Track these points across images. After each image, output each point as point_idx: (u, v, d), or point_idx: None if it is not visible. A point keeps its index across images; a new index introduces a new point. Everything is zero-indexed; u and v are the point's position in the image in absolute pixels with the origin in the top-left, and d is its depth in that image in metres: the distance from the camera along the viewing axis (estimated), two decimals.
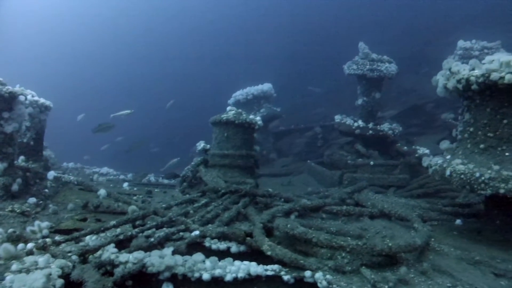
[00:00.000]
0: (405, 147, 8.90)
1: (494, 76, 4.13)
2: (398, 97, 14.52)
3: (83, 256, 3.88)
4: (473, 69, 4.43)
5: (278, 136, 13.06)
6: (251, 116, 7.44)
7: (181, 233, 4.62)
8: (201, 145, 7.81)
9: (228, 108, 7.62)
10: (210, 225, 4.83)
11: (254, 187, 6.83)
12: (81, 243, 4.21)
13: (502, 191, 4.15)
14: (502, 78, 4.09)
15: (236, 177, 7.11)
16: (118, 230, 4.56)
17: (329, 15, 27.75)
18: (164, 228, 4.68)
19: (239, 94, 12.28)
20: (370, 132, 8.82)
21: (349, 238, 4.43)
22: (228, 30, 32.86)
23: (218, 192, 6.09)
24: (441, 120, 11.10)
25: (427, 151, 8.56)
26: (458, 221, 5.51)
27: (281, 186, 9.28)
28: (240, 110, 7.54)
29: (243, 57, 28.97)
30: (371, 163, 8.31)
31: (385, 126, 8.93)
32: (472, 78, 4.32)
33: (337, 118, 9.47)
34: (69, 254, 3.86)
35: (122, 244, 4.22)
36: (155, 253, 3.90)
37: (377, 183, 7.87)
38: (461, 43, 10.36)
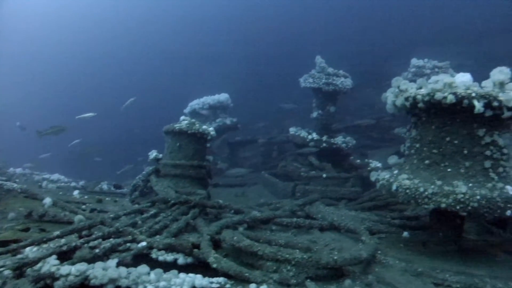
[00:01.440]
0: (358, 160, 9.07)
1: (438, 95, 4.27)
2: (356, 111, 14.84)
3: (20, 270, 3.71)
4: (420, 88, 4.57)
5: (234, 146, 13.02)
6: (204, 127, 7.40)
7: (128, 244, 4.51)
8: (153, 154, 7.70)
9: (182, 117, 7.58)
10: (158, 236, 4.75)
11: (205, 198, 6.77)
12: (19, 256, 4.02)
13: (443, 205, 4.29)
14: (445, 98, 4.24)
15: (187, 188, 7.04)
16: (62, 241, 4.38)
17: (292, 27, 28.10)
18: (111, 239, 4.56)
19: (195, 104, 12.21)
20: (324, 145, 8.94)
21: (297, 250, 4.47)
22: (188, 41, 32.60)
23: (168, 203, 6.00)
24: (394, 134, 11.40)
25: (379, 164, 8.75)
26: (405, 234, 5.63)
27: (235, 196, 9.26)
28: (193, 120, 7.49)
29: (201, 66, 28.81)
30: (324, 175, 8.41)
31: (339, 139, 9.08)
32: (419, 97, 4.46)
33: (292, 130, 9.57)
34: (1, 269, 3.66)
35: (66, 256, 4.07)
36: (99, 265, 3.78)
37: (329, 195, 7.97)
38: (414, 61, 10.78)
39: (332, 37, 25.18)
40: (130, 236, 4.63)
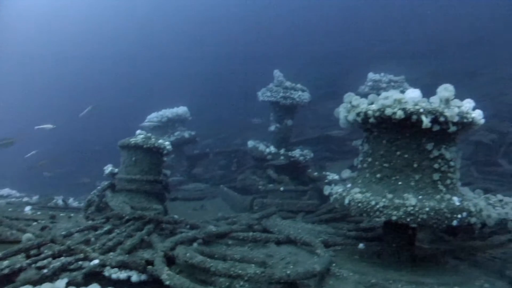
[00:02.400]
0: (316, 173, 9.19)
1: (388, 111, 4.40)
2: (315, 124, 15.05)
3: None
4: (371, 104, 4.70)
5: (192, 159, 12.93)
6: (160, 141, 7.33)
7: (79, 263, 4.40)
8: (108, 168, 7.56)
9: (138, 131, 7.48)
10: (111, 253, 4.65)
11: (161, 213, 6.70)
12: None
13: (394, 218, 4.40)
14: (394, 113, 4.37)
15: (143, 203, 6.94)
16: (5, 263, 4.21)
17: (251, 41, 28.28)
18: (62, 258, 4.43)
19: (153, 117, 12.10)
20: (282, 158, 9.03)
21: (251, 265, 4.47)
22: (147, 51, 32.25)
23: (123, 218, 5.89)
24: (352, 147, 11.59)
25: (336, 177, 8.88)
26: (361, 245, 5.72)
27: (194, 210, 9.21)
28: (149, 134, 7.42)
29: (160, 79, 28.52)
30: (281, 188, 8.48)
31: (297, 152, 9.19)
32: (370, 112, 4.58)
33: (250, 143, 9.63)
34: None
35: (10, 279, 3.92)
36: (46, 286, 3.66)
37: (287, 208, 8.02)
38: (371, 75, 11.09)
39: (292, 51, 25.53)
40: (82, 254, 4.51)
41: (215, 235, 5.80)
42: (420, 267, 5.03)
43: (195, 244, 5.31)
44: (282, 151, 9.15)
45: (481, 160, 11.72)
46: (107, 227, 5.62)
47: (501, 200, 6.20)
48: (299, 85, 9.32)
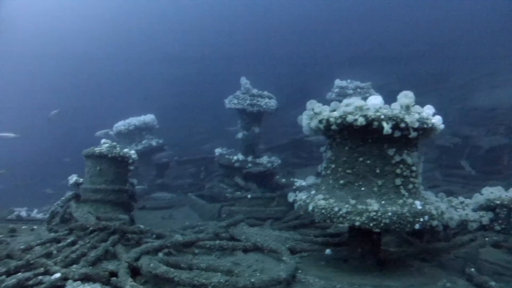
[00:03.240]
0: (284, 180, 9.23)
1: (350, 118, 4.47)
2: (284, 130, 15.15)
3: None
4: (334, 111, 4.75)
5: (161, 168, 12.79)
6: (125, 150, 7.24)
7: (39, 277, 4.28)
8: (73, 178, 7.40)
9: (103, 140, 7.35)
10: (74, 266, 4.54)
11: (128, 223, 6.59)
12: None
13: (357, 223, 4.46)
14: (356, 120, 4.44)
15: (109, 213, 6.82)
16: None
17: (220, 48, 28.26)
18: (19, 274, 4.30)
19: (121, 125, 11.94)
20: (249, 165, 9.03)
21: (217, 274, 4.45)
22: (113, 62, 31.68)
23: (87, 230, 5.78)
24: (321, 153, 11.69)
25: (304, 183, 8.93)
26: (327, 251, 5.75)
27: (162, 219, 9.10)
28: (114, 143, 7.31)
29: (127, 87, 28.11)
30: (249, 196, 8.48)
31: (264, 159, 9.21)
32: (332, 119, 4.63)
33: (217, 151, 9.61)
34: None
35: None
36: None
37: (255, 215, 8.02)
38: (337, 82, 11.19)
39: (260, 58, 25.63)
40: (42, 268, 4.39)
41: (182, 244, 5.74)
42: (385, 270, 5.11)
43: (160, 254, 5.25)
44: (249, 158, 9.16)
45: (445, 163, 12.00)
46: (70, 239, 5.49)
47: (462, 202, 6.37)
48: (266, 92, 9.37)
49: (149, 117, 12.22)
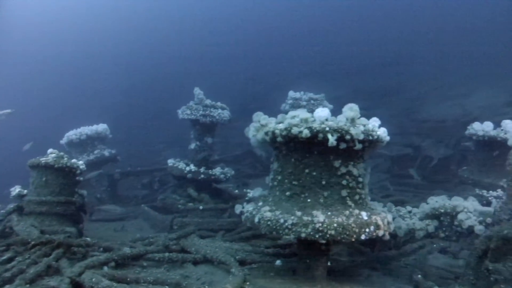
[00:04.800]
0: (236, 191, 9.21)
1: (295, 130, 4.50)
2: (239, 141, 15.13)
3: None
4: (280, 123, 4.77)
5: (114, 179, 12.50)
6: (73, 160, 7.04)
7: None
8: (16, 190, 7.12)
9: (49, 150, 7.13)
10: (8, 285, 4.35)
11: (75, 236, 6.40)
12: None
13: (303, 235, 4.47)
14: (301, 132, 4.48)
15: (55, 226, 6.60)
16: None
17: (174, 59, 28.07)
18: None
19: (72, 134, 11.58)
20: (202, 176, 8.97)
21: (166, 287, 4.37)
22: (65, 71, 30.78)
23: (28, 244, 5.56)
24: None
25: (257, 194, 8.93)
26: (278, 262, 5.78)
27: (114, 232, 8.89)
28: (62, 153, 7.10)
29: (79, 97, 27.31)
30: (201, 207, 8.41)
31: (217, 170, 9.17)
32: (277, 131, 4.65)
33: (170, 162, 9.49)
34: None
35: None
36: None
37: (207, 227, 7.95)
38: (291, 93, 11.31)
39: (213, 69, 25.65)
40: None
41: (130, 257, 5.64)
42: (334, 280, 5.16)
43: (105, 268, 5.11)
44: (202, 169, 9.09)
45: (397, 173, 12.30)
46: (7, 256, 5.26)
47: (410, 211, 6.51)
48: (219, 103, 9.33)
49: (101, 127, 11.92)
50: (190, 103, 9.32)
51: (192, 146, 9.39)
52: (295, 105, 10.60)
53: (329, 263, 5.66)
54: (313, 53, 25.87)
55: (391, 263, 6.27)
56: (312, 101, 10.85)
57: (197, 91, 9.37)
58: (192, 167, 9.12)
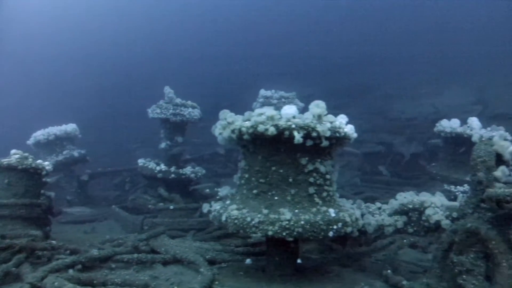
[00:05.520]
0: (207, 190, 9.15)
1: (261, 128, 4.49)
2: (212, 141, 15.05)
3: None
4: (247, 120, 4.74)
5: (84, 180, 12.26)
6: (39, 161, 6.85)
7: None
8: None
9: (13, 151, 6.92)
10: None
11: (40, 239, 6.24)
12: None
13: (270, 233, 4.47)
14: (267, 130, 4.47)
15: (18, 230, 6.38)
16: None
17: (146, 59, 27.78)
18: None
19: (39, 134, 11.28)
20: (173, 175, 8.89)
21: None
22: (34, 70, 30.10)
23: None
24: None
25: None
26: (248, 261, 5.76)
27: (84, 234, 8.73)
28: (26, 154, 6.90)
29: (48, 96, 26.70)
30: (171, 207, 8.32)
31: (188, 170, 9.10)
32: (244, 129, 4.62)
33: (141, 161, 9.39)
34: None
35: None
36: None
37: (177, 227, 7.88)
38: (262, 92, 11.32)
39: (187, 67, 25.49)
40: None
41: (97, 259, 5.53)
42: (304, 278, 5.17)
43: (70, 271, 4.99)
44: (173, 168, 8.99)
45: (369, 170, 12.44)
46: None
47: (379, 208, 6.56)
48: (189, 102, 9.26)
49: (70, 127, 11.64)
50: (160, 102, 9.23)
51: (163, 145, 9.30)
52: (266, 104, 10.58)
53: (299, 261, 5.69)
54: (286, 53, 25.96)
55: (362, 259, 6.30)
56: (283, 99, 10.86)
57: (167, 90, 9.28)
58: (162, 166, 9.03)
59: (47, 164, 6.97)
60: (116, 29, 30.95)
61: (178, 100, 9.16)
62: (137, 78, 25.30)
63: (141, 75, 25.44)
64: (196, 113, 9.17)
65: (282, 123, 4.47)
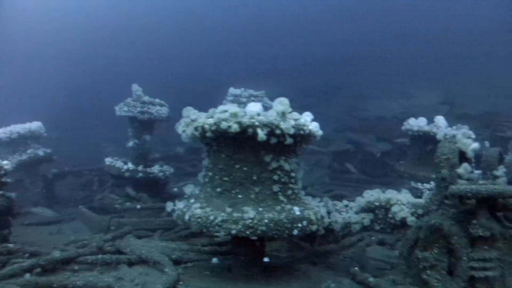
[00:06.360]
0: (175, 189, 9.05)
1: (224, 125, 4.44)
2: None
3: None
4: (211, 117, 4.68)
5: (50, 180, 11.96)
6: None
7: None
8: None
9: None
10: None
11: None
12: None
13: (233, 232, 4.44)
14: (230, 127, 4.42)
15: None
16: None
17: (116, 58, 27.46)
18: None
19: (1, 132, 10.92)
20: (140, 174, 8.76)
21: None
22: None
23: None
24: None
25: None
26: (214, 260, 5.70)
27: (50, 235, 8.51)
28: None
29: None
30: (138, 206, 8.20)
31: (156, 169, 8.98)
32: (206, 126, 4.56)
33: (108, 160, 9.22)
34: None
35: None
36: None
37: (144, 227, 7.75)
38: (232, 90, 11.25)
39: (159, 65, 25.30)
40: None
41: (58, 261, 5.36)
42: (271, 277, 5.15)
43: (27, 275, 4.83)
44: (140, 167, 8.86)
45: (338, 168, 12.55)
46: None
47: (346, 206, 6.59)
48: (157, 100, 9.13)
49: (35, 125, 11.29)
50: (128, 100, 9.07)
51: (130, 144, 9.14)
52: (236, 102, 10.52)
53: (267, 260, 5.67)
54: (258, 52, 26.05)
55: (330, 257, 6.33)
56: (252, 98, 10.79)
57: (135, 87, 9.13)
58: (130, 165, 8.88)
59: (5, 164, 6.73)
60: (87, 30, 30.51)
61: (146, 98, 9.02)
62: (109, 77, 24.96)
63: (113, 73, 25.12)
64: (164, 111, 9.05)
65: (245, 120, 4.43)
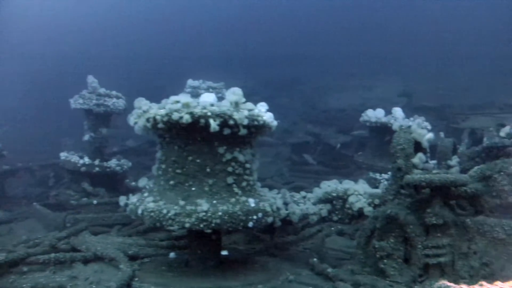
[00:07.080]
0: (133, 183, 8.86)
1: (175, 116, 4.34)
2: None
3: None
4: (162, 108, 4.57)
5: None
6: None
7: None
8: None
9: None
10: None
11: None
12: None
13: (187, 225, 4.37)
14: (181, 117, 4.33)
15: None
16: None
17: (74, 53, 26.87)
18: None
19: None
20: (97, 169, 8.54)
21: None
22: None
23: None
24: None
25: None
26: (171, 254, 5.61)
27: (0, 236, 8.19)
28: None
29: None
30: (95, 202, 8.00)
31: (113, 162, 8.77)
32: (158, 117, 4.46)
33: (63, 155, 8.94)
34: None
35: None
36: None
37: (101, 222, 7.57)
38: (190, 82, 11.10)
39: (115, 58, 24.89)
40: None
41: (8, 264, 5.11)
42: (229, 270, 5.10)
43: None
44: (97, 161, 8.64)
45: (297, 160, 12.64)
46: None
47: (304, 197, 6.61)
48: (114, 92, 8.90)
49: None
50: (83, 92, 8.80)
51: (86, 137, 8.89)
52: (194, 94, 10.35)
53: (225, 253, 5.63)
54: (218, 44, 25.95)
55: (289, 248, 6.34)
56: (211, 90, 10.66)
57: (90, 79, 8.87)
58: (86, 159, 8.64)
59: None
60: (45, 27, 29.70)
61: (102, 90, 8.77)
62: (69, 74, 24.39)
63: (73, 71, 24.56)
64: (121, 103, 8.83)
65: (197, 110, 4.34)
